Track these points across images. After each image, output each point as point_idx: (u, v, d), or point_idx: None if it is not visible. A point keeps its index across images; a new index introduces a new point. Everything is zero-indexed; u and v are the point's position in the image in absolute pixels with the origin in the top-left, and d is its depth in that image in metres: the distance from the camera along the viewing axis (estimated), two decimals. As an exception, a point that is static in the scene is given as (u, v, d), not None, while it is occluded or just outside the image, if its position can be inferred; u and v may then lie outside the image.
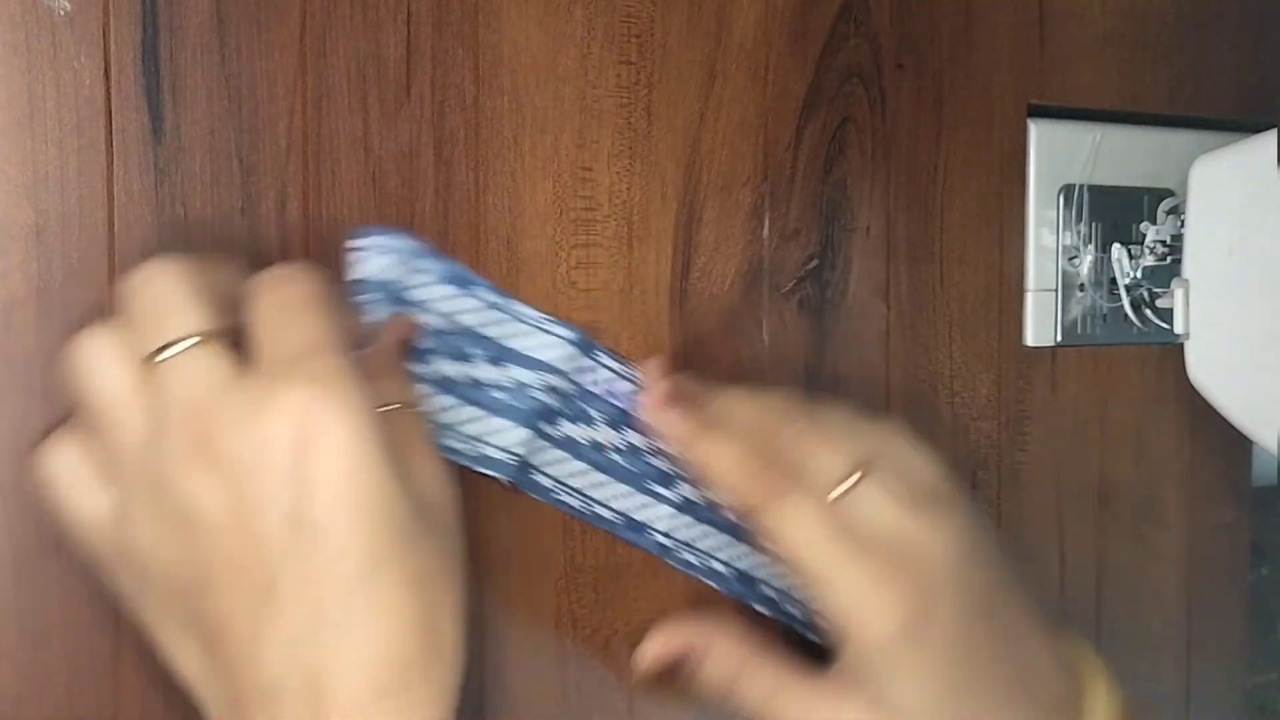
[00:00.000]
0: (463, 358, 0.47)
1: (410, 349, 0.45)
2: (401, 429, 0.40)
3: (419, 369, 0.46)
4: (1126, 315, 0.61)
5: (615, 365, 0.50)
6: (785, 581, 0.53)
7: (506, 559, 0.49)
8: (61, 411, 0.41)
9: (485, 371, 0.47)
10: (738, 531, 0.52)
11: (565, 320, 0.49)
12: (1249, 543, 0.68)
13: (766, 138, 0.53)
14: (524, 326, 0.48)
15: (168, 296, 0.38)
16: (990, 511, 0.57)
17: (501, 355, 0.48)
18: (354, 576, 0.36)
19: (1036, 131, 0.59)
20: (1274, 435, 0.52)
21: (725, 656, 0.48)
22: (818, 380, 0.54)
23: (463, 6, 0.47)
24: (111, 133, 0.42)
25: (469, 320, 0.47)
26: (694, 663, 0.48)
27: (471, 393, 0.47)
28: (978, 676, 0.44)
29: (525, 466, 0.48)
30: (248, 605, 0.36)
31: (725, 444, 0.47)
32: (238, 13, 0.43)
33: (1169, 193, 0.62)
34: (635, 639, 0.51)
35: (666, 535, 0.51)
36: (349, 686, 0.35)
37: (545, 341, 0.48)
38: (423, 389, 0.46)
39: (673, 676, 0.45)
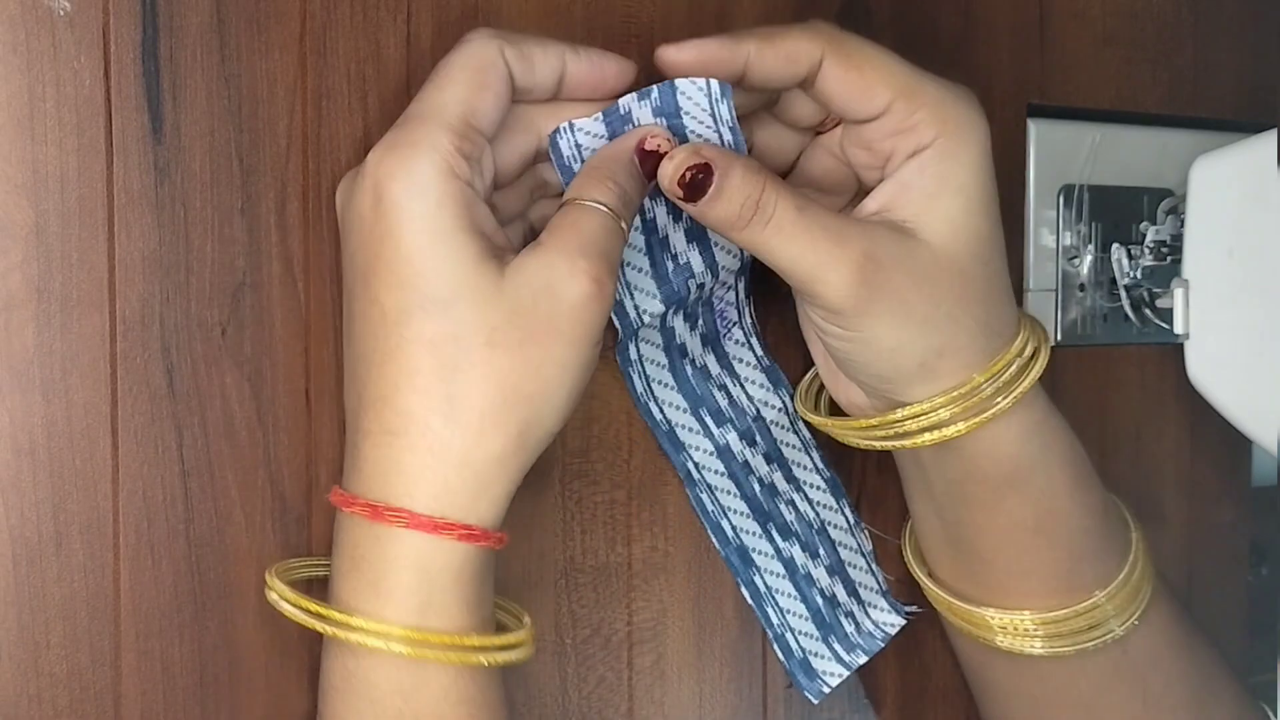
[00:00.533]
0: (672, 210, 0.47)
1: (654, 158, 0.44)
2: (571, 223, 0.42)
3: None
4: (1126, 315, 0.61)
5: (741, 298, 0.51)
6: (779, 582, 0.53)
7: (507, 557, 0.49)
8: (61, 409, 0.41)
9: (677, 236, 0.48)
10: (761, 512, 0.52)
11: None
12: (1249, 543, 0.68)
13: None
14: None
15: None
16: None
17: (695, 231, 0.48)
18: (385, 332, 0.40)
19: (1036, 131, 0.59)
20: (1274, 435, 0.52)
21: (750, 170, 0.44)
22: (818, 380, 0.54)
23: (463, 6, 0.47)
24: (111, 133, 0.42)
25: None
26: (720, 176, 0.43)
27: (656, 244, 0.47)
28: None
29: (633, 330, 0.49)
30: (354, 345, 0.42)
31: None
32: (238, 13, 0.43)
33: (1169, 193, 0.62)
34: (635, 639, 0.51)
35: (696, 467, 0.51)
36: (353, 414, 0.42)
37: (729, 247, 0.49)
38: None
39: (696, 193, 0.43)
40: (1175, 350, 0.59)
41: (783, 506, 0.53)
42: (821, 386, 0.52)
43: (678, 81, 0.44)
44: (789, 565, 0.52)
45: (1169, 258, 0.61)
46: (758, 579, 0.52)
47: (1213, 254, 0.56)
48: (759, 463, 0.52)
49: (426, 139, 0.40)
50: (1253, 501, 0.67)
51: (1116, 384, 0.63)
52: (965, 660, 0.56)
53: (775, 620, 0.53)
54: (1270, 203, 0.52)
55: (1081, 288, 0.61)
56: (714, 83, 0.44)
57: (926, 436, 0.46)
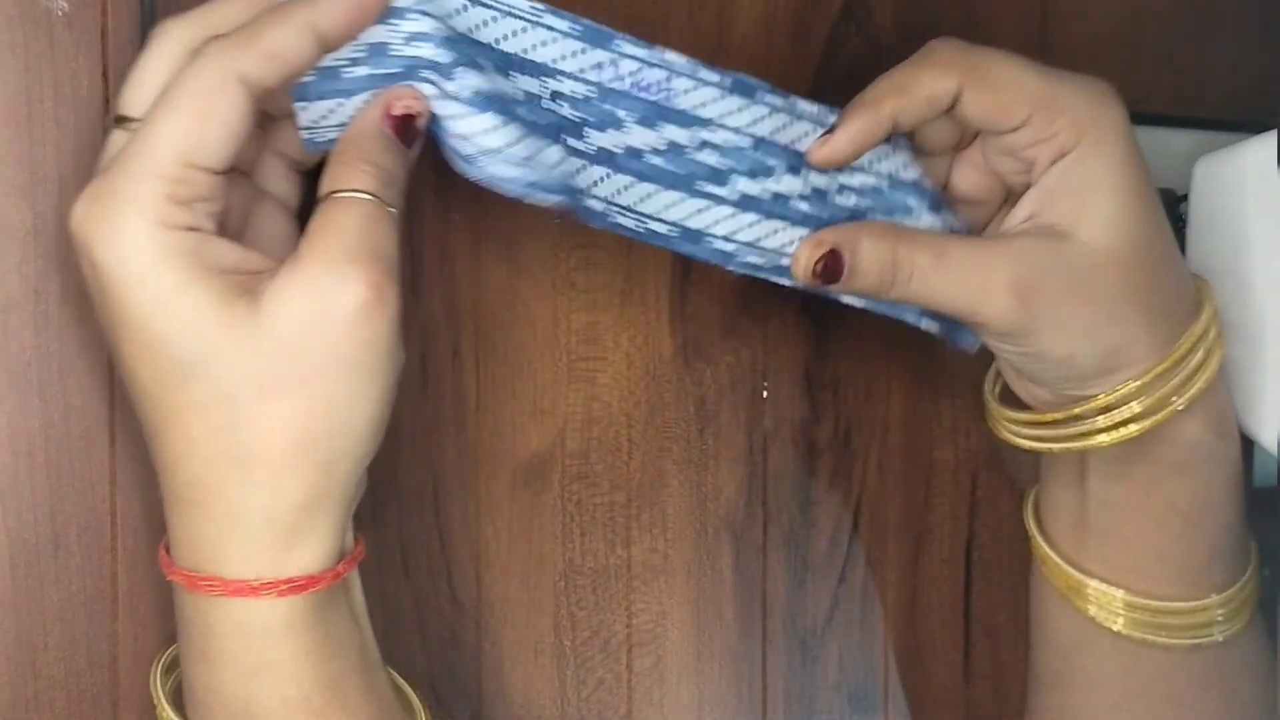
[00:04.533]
0: (474, 65, 0.39)
1: (408, 124, 0.39)
2: (330, 224, 0.37)
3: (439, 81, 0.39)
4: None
5: (639, 52, 0.43)
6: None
7: (506, 559, 0.49)
8: (58, 411, 0.41)
9: (498, 83, 0.40)
10: (810, 220, 0.46)
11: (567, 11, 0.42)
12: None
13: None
14: (516, 23, 0.41)
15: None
16: (991, 511, 0.57)
17: (503, 63, 0.41)
18: (153, 403, 0.37)
19: (1037, 131, 0.59)
20: (1274, 435, 0.52)
21: (877, 237, 0.44)
22: (818, 381, 0.54)
23: (462, 6, 0.47)
24: (110, 133, 0.42)
25: (460, 26, 0.40)
26: (850, 255, 0.44)
27: (499, 106, 0.40)
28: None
29: (572, 191, 0.42)
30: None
31: None
32: (236, 12, 0.43)
33: (1170, 193, 0.62)
34: (635, 641, 0.51)
35: (726, 239, 0.45)
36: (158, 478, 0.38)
37: (540, 38, 0.41)
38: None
39: (831, 278, 0.43)
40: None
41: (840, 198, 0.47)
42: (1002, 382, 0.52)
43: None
44: None
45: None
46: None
47: (1213, 254, 0.55)
48: (791, 183, 0.46)
49: (128, 190, 0.35)
50: (1253, 501, 0.67)
51: (1117, 384, 0.62)
52: (1057, 643, 0.54)
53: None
54: (1270, 203, 0.52)
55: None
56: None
57: (1107, 436, 0.46)
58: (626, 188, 0.43)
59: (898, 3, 0.55)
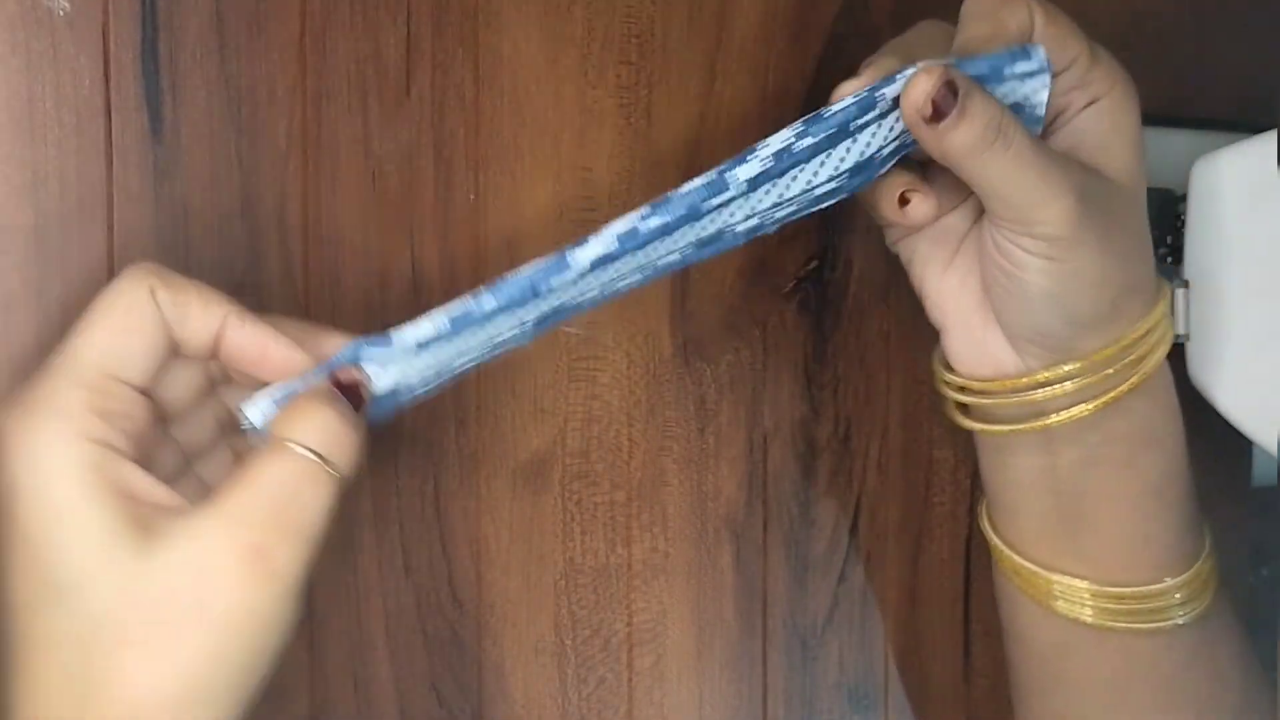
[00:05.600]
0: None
1: (354, 389, 0.39)
2: (252, 473, 0.36)
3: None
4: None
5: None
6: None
7: (506, 559, 0.49)
8: (61, 412, 0.41)
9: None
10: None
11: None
12: (1249, 543, 0.68)
13: (767, 138, 0.53)
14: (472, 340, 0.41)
15: None
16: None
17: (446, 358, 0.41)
18: (12, 626, 0.35)
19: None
20: (1274, 435, 0.52)
21: (987, 95, 0.42)
22: (818, 381, 0.54)
23: (463, 6, 0.47)
24: (111, 133, 0.42)
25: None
26: (964, 97, 0.42)
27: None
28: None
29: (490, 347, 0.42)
30: None
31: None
32: (237, 13, 0.43)
33: (1169, 193, 0.62)
34: (635, 640, 0.51)
35: (747, 218, 0.44)
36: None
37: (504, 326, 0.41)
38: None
39: (939, 117, 0.41)
40: (1175, 350, 0.59)
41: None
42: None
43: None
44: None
45: (1169, 258, 0.60)
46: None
47: (1213, 254, 0.55)
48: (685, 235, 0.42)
49: (50, 399, 0.35)
50: (1253, 501, 0.67)
51: (1116, 384, 0.62)
52: (1039, 652, 0.54)
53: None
54: (1270, 203, 0.52)
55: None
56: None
57: (1073, 409, 0.46)
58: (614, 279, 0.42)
59: (897, 3, 0.55)
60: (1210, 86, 0.64)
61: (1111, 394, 0.46)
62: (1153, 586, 0.49)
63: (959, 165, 0.43)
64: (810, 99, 0.54)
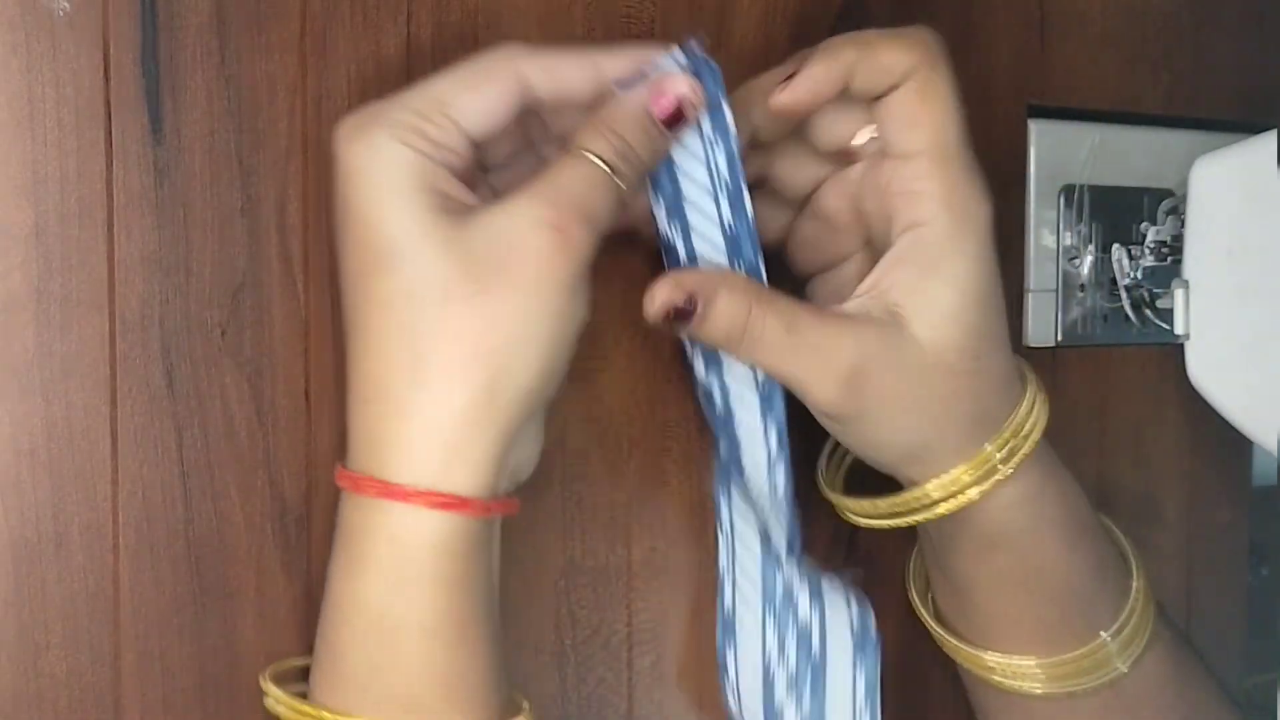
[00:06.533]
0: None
1: (675, 112, 0.43)
2: (553, 171, 0.41)
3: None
4: (1126, 315, 0.61)
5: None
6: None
7: (506, 558, 0.49)
8: (60, 410, 0.41)
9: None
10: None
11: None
12: (1249, 543, 0.68)
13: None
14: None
15: None
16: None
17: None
18: (351, 296, 0.41)
19: (1036, 132, 0.59)
20: (1274, 435, 0.52)
21: (735, 293, 0.44)
22: (818, 380, 0.54)
23: (463, 6, 0.47)
24: (111, 133, 0.42)
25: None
26: (704, 304, 0.44)
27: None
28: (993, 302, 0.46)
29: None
30: None
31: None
32: (238, 13, 0.43)
33: (1169, 193, 0.62)
34: (635, 640, 0.51)
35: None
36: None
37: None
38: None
39: (682, 322, 0.43)
40: (1175, 350, 0.59)
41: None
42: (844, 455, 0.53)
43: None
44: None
45: (1169, 258, 0.61)
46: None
47: (1213, 254, 0.55)
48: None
49: (388, 114, 0.40)
50: (1253, 501, 0.67)
51: (1116, 384, 0.62)
52: (969, 692, 0.56)
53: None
54: (1270, 203, 0.52)
55: (1082, 288, 0.61)
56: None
57: (918, 516, 0.48)
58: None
59: (896, 3, 0.55)
60: (1210, 86, 0.64)
61: (955, 500, 0.47)
62: (1083, 648, 0.49)
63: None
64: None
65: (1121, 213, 0.61)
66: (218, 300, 0.44)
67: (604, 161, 0.41)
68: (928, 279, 0.44)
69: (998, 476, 0.46)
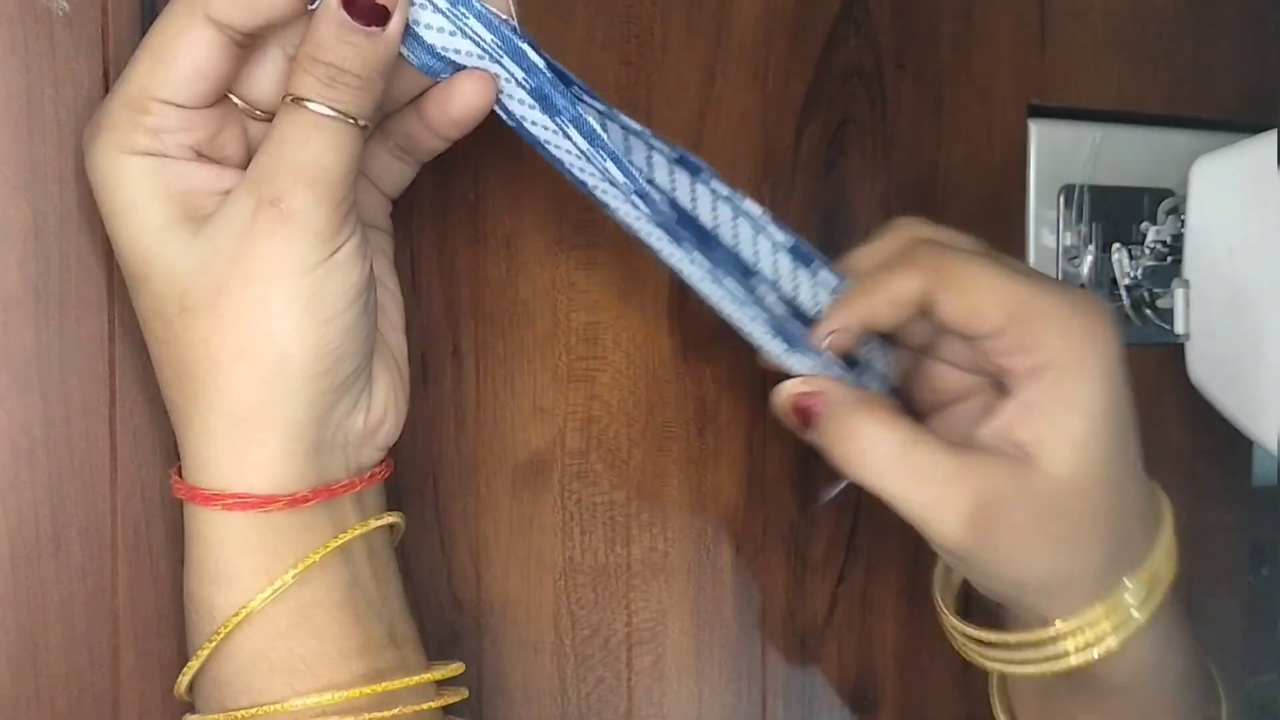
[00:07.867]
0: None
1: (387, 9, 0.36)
2: (269, 137, 0.37)
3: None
4: (1127, 315, 0.61)
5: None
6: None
7: (506, 558, 0.49)
8: (59, 409, 0.41)
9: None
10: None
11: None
12: (1249, 543, 0.68)
13: (766, 138, 0.53)
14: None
15: None
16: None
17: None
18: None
19: (1037, 132, 0.59)
20: (1274, 435, 0.52)
21: (854, 410, 0.43)
22: (817, 380, 0.54)
23: (462, 6, 0.47)
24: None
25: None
26: (823, 414, 0.44)
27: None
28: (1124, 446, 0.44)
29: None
30: None
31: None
32: (237, 12, 0.43)
33: (1169, 193, 0.62)
34: (634, 640, 0.51)
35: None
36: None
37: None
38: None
39: (804, 421, 0.43)
40: (1175, 350, 0.59)
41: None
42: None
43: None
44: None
45: (1169, 258, 0.61)
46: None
47: (1213, 254, 0.56)
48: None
49: (107, 117, 0.37)
50: (1253, 501, 0.67)
51: (1116, 384, 0.62)
52: None
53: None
54: (1270, 203, 0.52)
55: (1082, 288, 0.61)
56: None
57: (1049, 666, 0.45)
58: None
59: (897, 3, 0.55)
60: (1210, 86, 0.64)
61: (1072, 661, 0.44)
62: None
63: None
64: (810, 99, 0.54)
65: (1121, 212, 0.61)
66: (217, 300, 0.43)
67: (316, 101, 0.36)
68: (1055, 416, 0.42)
69: (1136, 622, 0.44)
